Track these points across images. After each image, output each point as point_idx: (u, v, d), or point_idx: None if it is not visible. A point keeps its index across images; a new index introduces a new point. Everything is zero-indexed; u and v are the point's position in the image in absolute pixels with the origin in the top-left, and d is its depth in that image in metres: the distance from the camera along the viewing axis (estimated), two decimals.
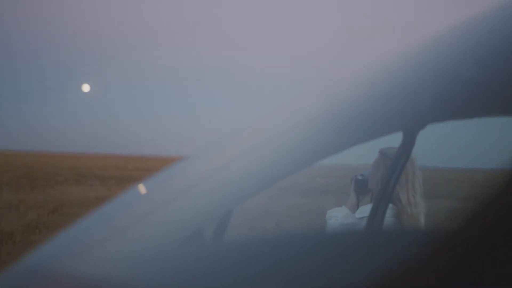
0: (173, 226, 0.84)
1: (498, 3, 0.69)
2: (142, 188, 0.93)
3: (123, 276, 0.67)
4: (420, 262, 0.60)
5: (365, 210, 1.48)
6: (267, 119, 1.05)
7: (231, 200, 0.88)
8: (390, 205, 1.38)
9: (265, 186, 0.92)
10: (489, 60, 0.68)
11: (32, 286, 0.65)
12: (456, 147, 1.07)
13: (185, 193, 0.89)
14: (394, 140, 1.05)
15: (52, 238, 0.75)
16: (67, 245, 0.75)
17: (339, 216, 1.58)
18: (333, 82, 0.96)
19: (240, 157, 0.98)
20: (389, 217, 1.38)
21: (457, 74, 0.71)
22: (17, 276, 0.68)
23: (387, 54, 0.83)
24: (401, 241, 0.66)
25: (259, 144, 0.99)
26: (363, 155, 1.45)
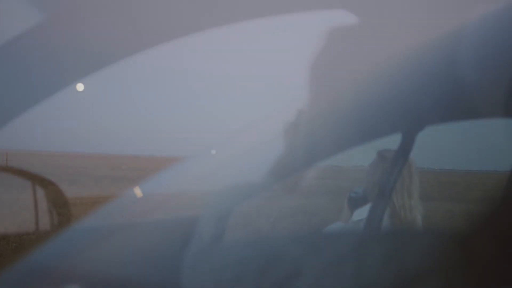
0: (172, 227, 0.84)
1: (500, 5, 0.70)
2: (140, 189, 0.93)
3: (123, 275, 0.67)
4: (418, 265, 0.60)
5: (362, 212, 1.48)
6: (264, 121, 1.05)
7: (228, 201, 0.88)
8: (388, 208, 1.38)
9: (263, 188, 0.93)
10: (489, 62, 0.69)
11: (33, 285, 0.65)
12: (455, 149, 1.07)
13: (184, 194, 0.89)
14: (393, 142, 1.06)
15: (52, 237, 0.75)
16: (68, 244, 0.75)
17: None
18: (332, 83, 0.96)
19: (238, 158, 0.98)
20: (386, 220, 1.38)
21: (457, 76, 0.72)
22: (17, 275, 0.67)
23: (387, 55, 0.83)
24: (399, 244, 0.66)
25: (257, 146, 0.99)
26: (361, 157, 1.45)
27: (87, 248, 0.72)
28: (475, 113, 0.76)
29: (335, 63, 0.84)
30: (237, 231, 0.69)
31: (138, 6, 1.00)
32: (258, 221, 0.70)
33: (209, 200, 0.80)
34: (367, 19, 0.87)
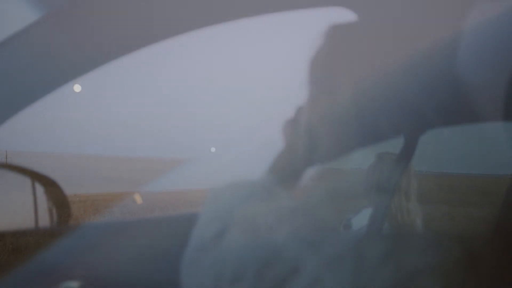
0: (172, 225, 0.84)
1: (505, 7, 0.69)
2: (142, 193, 0.93)
3: (123, 273, 0.67)
4: (416, 269, 0.60)
5: (362, 219, 1.48)
6: (264, 123, 1.05)
7: (228, 199, 0.88)
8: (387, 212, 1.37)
9: (263, 186, 0.92)
10: (492, 65, 0.69)
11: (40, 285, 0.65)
12: (455, 152, 1.07)
13: (184, 195, 0.88)
14: (394, 145, 1.06)
15: (56, 237, 0.75)
16: (72, 243, 0.75)
17: None
18: (332, 84, 0.96)
19: (238, 156, 0.98)
20: (383, 223, 1.37)
21: (459, 79, 0.72)
22: (23, 277, 0.68)
23: (388, 56, 0.83)
24: (396, 247, 0.66)
25: (258, 144, 0.99)
26: (360, 159, 1.45)
27: (93, 247, 0.72)
28: (477, 117, 0.76)
29: (336, 64, 0.84)
30: (236, 229, 0.69)
31: (138, 4, 1.00)
32: (257, 219, 0.69)
33: (208, 198, 0.80)
34: (370, 19, 0.87)
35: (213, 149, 0.99)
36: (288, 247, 0.62)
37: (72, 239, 0.80)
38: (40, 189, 1.40)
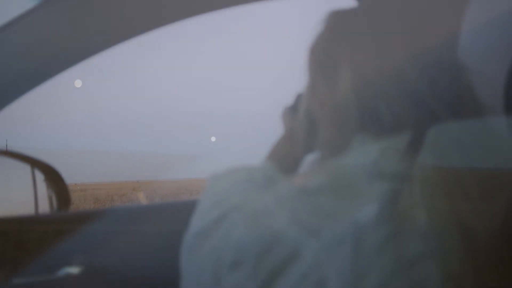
0: (173, 211, 0.83)
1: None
2: (144, 191, 0.93)
3: (124, 260, 0.67)
4: (422, 264, 0.60)
5: (364, 213, 1.46)
6: (267, 119, 1.05)
7: (227, 185, 0.88)
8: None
9: (262, 172, 0.92)
10: (502, 58, 0.68)
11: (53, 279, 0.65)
12: (463, 146, 1.06)
13: (186, 193, 0.88)
14: (400, 139, 1.04)
15: (60, 226, 0.75)
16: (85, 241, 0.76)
17: None
18: (336, 73, 0.95)
19: (239, 157, 0.97)
20: (389, 217, 1.36)
21: (468, 72, 0.71)
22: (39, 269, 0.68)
23: (396, 46, 0.82)
24: (403, 243, 0.66)
25: (257, 131, 0.99)
26: (365, 153, 1.44)
27: (93, 234, 0.72)
28: (485, 110, 0.76)
29: (339, 52, 0.83)
30: (235, 215, 0.68)
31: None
32: (256, 205, 0.69)
33: (208, 184, 0.80)
34: (374, 7, 0.86)
35: (213, 139, 0.98)
36: (287, 233, 0.62)
37: (72, 226, 0.80)
38: (40, 177, 1.39)
